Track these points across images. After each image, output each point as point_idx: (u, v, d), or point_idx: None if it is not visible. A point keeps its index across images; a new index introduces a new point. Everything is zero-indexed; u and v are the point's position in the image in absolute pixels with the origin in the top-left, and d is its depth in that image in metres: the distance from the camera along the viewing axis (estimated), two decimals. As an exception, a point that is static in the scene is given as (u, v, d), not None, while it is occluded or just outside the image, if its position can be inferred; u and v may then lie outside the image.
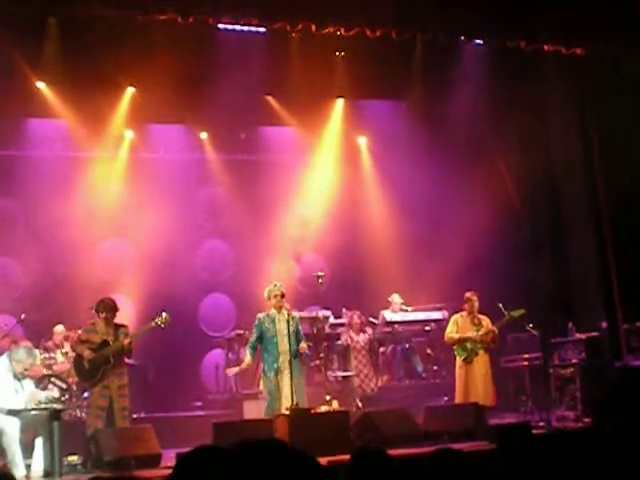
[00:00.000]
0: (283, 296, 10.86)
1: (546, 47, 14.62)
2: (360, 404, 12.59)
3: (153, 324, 10.75)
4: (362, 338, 13.12)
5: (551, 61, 14.89)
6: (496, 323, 12.03)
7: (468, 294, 12.15)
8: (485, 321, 12.05)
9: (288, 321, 10.76)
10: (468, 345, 11.90)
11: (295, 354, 10.72)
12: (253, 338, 10.90)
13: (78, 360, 10.70)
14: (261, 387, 11.17)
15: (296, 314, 11.24)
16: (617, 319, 14.37)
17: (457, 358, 12.02)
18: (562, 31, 14.23)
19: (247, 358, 10.93)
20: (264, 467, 3.21)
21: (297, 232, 15.85)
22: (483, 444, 9.60)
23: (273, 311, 10.85)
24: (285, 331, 10.71)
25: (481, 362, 11.88)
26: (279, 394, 10.50)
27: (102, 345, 10.54)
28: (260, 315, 10.96)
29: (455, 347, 12.03)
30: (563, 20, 13.83)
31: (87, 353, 10.51)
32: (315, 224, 16.05)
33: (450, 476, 3.56)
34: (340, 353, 13.27)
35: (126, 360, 10.93)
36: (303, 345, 10.85)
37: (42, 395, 10.23)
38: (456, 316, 12.30)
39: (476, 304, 12.05)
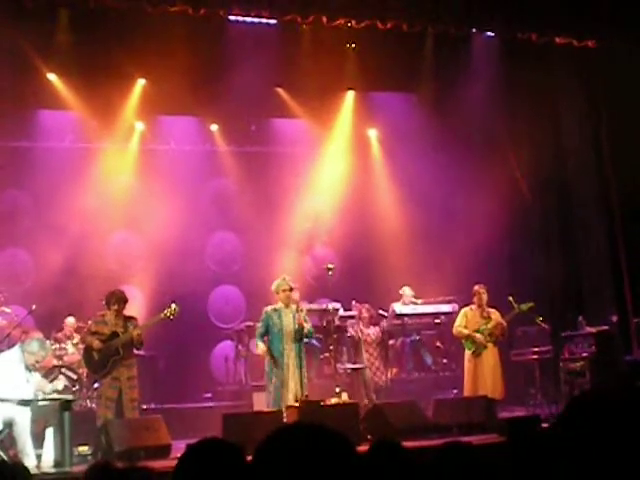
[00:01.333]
0: (292, 290, 10.84)
1: (557, 40, 14.56)
2: (374, 396, 12.57)
3: (162, 315, 10.77)
4: (372, 331, 13.10)
5: (562, 54, 14.84)
6: (505, 316, 12.03)
7: (476, 287, 12.14)
8: (494, 314, 12.04)
9: (294, 315, 10.77)
10: (477, 338, 11.89)
11: (300, 347, 10.74)
12: (261, 330, 10.87)
13: (88, 351, 10.74)
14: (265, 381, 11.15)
15: (305, 306, 11.23)
16: (627, 313, 14.35)
17: (466, 351, 12.02)
18: (573, 24, 14.17)
19: (261, 346, 10.83)
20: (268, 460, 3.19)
21: (307, 224, 15.85)
22: (493, 437, 9.62)
23: (280, 305, 10.83)
24: (291, 325, 10.72)
25: (490, 355, 11.87)
26: (284, 387, 10.50)
27: (111, 336, 10.57)
28: (268, 309, 10.94)
29: (464, 340, 12.04)
30: (574, 13, 13.78)
31: (96, 344, 10.55)
32: (325, 216, 16.04)
33: (459, 469, 3.57)
34: (350, 345, 13.25)
35: (136, 351, 10.97)
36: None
37: (48, 387, 10.28)
38: (465, 309, 12.29)
39: (485, 297, 12.04)
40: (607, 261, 15.00)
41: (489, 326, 11.90)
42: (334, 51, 14.16)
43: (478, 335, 11.87)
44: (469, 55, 14.74)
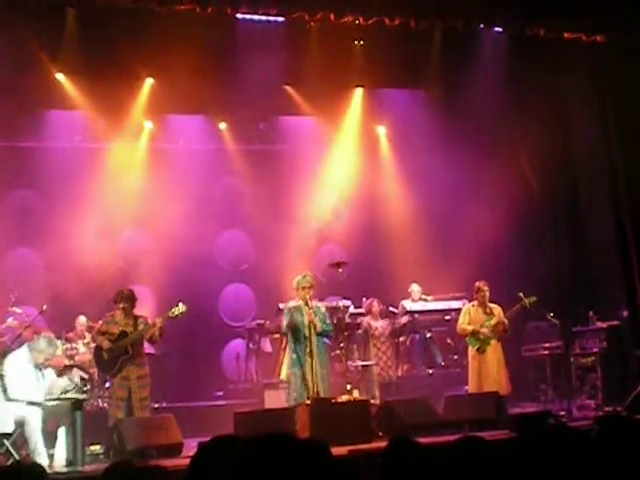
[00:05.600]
0: (312, 287, 10.78)
1: (566, 35, 14.54)
2: (377, 393, 12.55)
3: (170, 314, 10.76)
4: (381, 324, 13.10)
5: (571, 48, 14.80)
6: (508, 312, 11.98)
7: (478, 284, 12.07)
8: (497, 310, 12.01)
9: (314, 312, 10.70)
10: (481, 335, 11.86)
11: (320, 343, 10.73)
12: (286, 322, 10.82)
13: (98, 351, 10.77)
14: (283, 376, 11.15)
15: (320, 304, 11.21)
16: (638, 308, 14.31)
17: (470, 348, 12.00)
18: (582, 18, 14.14)
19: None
20: (276, 457, 3.24)
21: (316, 221, 15.84)
22: (504, 433, 9.61)
23: (300, 302, 10.80)
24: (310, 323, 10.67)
25: (493, 351, 11.83)
26: (304, 384, 10.47)
27: (121, 336, 10.59)
28: (289, 306, 10.87)
29: (468, 338, 12.01)
30: (583, 7, 13.74)
31: (106, 343, 10.58)
32: (334, 213, 16.04)
33: (474, 463, 3.57)
34: (360, 342, 13.25)
35: (147, 350, 10.99)
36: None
37: (63, 383, 10.30)
38: (467, 306, 12.29)
39: (487, 293, 11.99)
40: (617, 256, 14.97)
41: (492, 322, 11.87)
42: (342, 48, 14.15)
43: (484, 329, 11.83)
44: (477, 51, 14.70)
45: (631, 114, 14.53)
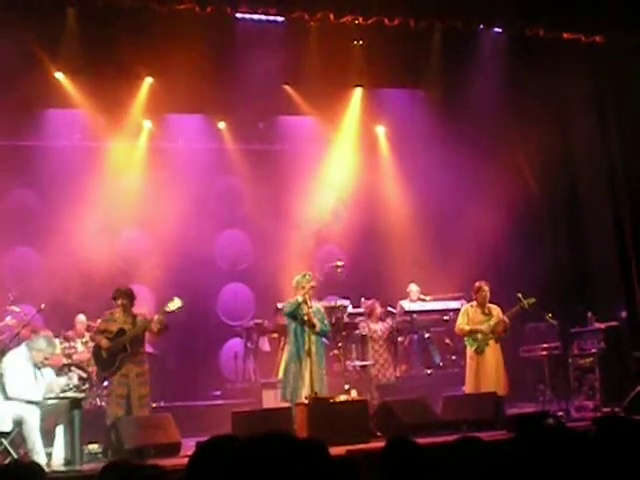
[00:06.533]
0: (312, 288, 10.78)
1: (565, 35, 14.55)
2: (376, 394, 12.57)
3: (166, 309, 10.74)
4: (380, 327, 13.11)
5: (570, 49, 14.80)
6: (507, 313, 11.99)
7: (479, 284, 12.06)
8: (495, 310, 12.00)
9: (312, 313, 10.70)
10: (479, 335, 11.86)
11: (319, 342, 10.73)
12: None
13: (97, 350, 10.78)
14: (280, 375, 11.14)
15: (319, 304, 11.21)
16: (637, 309, 14.31)
17: (468, 348, 11.99)
18: (581, 18, 14.14)
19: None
20: (275, 457, 3.25)
21: (315, 222, 15.84)
22: (501, 433, 9.62)
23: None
24: (309, 322, 10.68)
25: (492, 352, 11.82)
26: (301, 382, 10.47)
27: (119, 333, 10.60)
28: (299, 298, 10.76)
29: (466, 338, 12.00)
30: (582, 7, 13.74)
31: (104, 342, 10.59)
32: (333, 213, 16.04)
33: (473, 464, 3.58)
34: (358, 342, 13.26)
35: (145, 349, 11.00)
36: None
37: (62, 382, 10.30)
38: (466, 306, 12.29)
39: (487, 293, 11.98)
40: (616, 257, 14.97)
41: (491, 323, 11.87)
42: (341, 48, 14.15)
43: (482, 327, 11.82)
44: (477, 52, 14.70)
45: (630, 114, 14.54)
